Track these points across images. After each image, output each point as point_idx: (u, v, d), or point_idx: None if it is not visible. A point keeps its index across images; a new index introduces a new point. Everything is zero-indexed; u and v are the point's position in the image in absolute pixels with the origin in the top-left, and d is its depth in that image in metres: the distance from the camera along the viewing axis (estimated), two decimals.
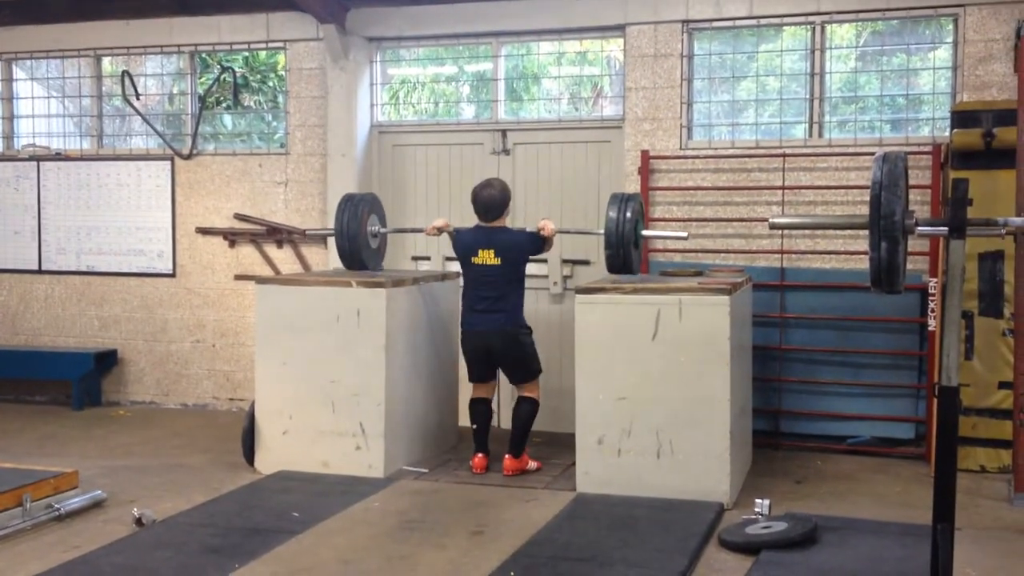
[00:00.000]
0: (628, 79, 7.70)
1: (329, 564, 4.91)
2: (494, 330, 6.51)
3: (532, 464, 6.62)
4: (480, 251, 6.53)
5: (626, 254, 6.32)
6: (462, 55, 8.45)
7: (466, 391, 6.93)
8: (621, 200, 6.37)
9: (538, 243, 6.62)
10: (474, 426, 6.69)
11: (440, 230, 6.84)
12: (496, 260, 6.50)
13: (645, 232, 6.68)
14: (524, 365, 6.64)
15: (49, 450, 7.35)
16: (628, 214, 6.29)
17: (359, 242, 6.76)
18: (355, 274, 6.85)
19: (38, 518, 5.56)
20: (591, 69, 8.29)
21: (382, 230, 7.07)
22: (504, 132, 8.10)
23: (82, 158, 9.14)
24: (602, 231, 6.39)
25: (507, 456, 6.53)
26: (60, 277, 9.24)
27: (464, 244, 6.64)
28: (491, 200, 6.57)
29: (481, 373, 6.72)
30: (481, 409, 6.72)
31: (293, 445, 6.64)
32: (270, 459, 6.70)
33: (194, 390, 8.93)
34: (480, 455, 6.62)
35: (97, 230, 9.07)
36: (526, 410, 6.60)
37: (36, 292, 9.32)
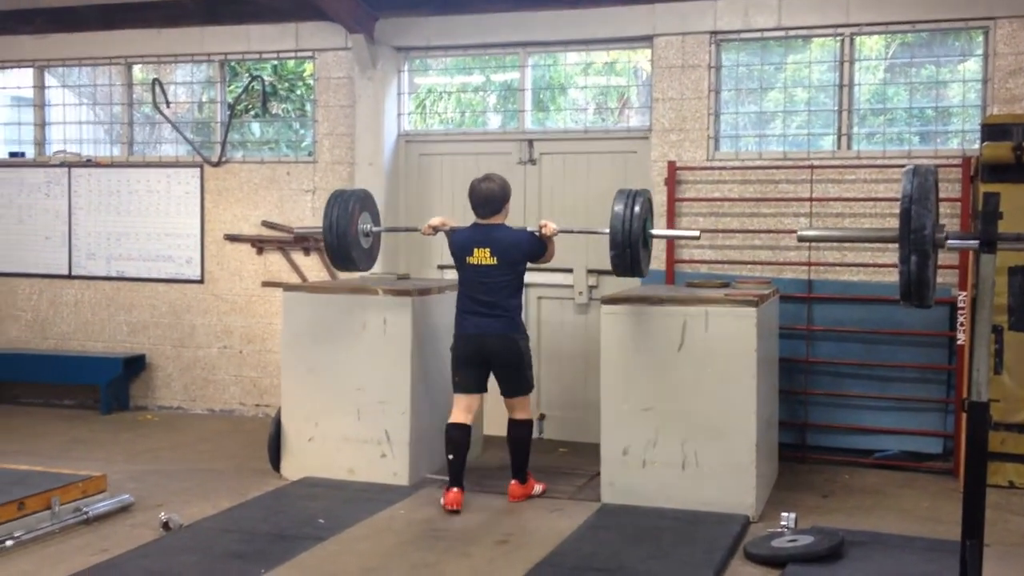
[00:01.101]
0: (655, 90, 7.70)
1: (354, 571, 4.92)
2: (491, 333, 6.03)
3: (537, 487, 6.30)
4: (476, 250, 6.04)
5: (634, 254, 5.76)
6: (489, 65, 8.48)
7: (491, 399, 6.89)
8: (628, 196, 5.84)
9: (538, 245, 6.13)
10: (450, 456, 6.03)
11: (436, 229, 6.38)
12: (492, 260, 6.01)
13: (655, 231, 6.19)
14: (520, 374, 6.15)
15: (77, 454, 7.41)
16: (636, 209, 5.76)
17: (349, 240, 6.37)
18: (382, 282, 6.87)
19: (66, 521, 5.61)
20: (618, 79, 8.30)
21: (374, 229, 6.68)
22: (530, 142, 8.12)
23: (112, 165, 9.23)
24: (607, 230, 5.86)
25: (513, 482, 6.19)
26: (90, 282, 9.32)
27: (459, 243, 6.15)
28: (489, 194, 6.07)
29: (470, 381, 6.13)
30: (459, 438, 6.06)
31: (319, 452, 6.67)
32: (296, 465, 6.73)
33: (221, 396, 8.99)
34: (455, 490, 5.96)
35: (127, 236, 9.15)
36: (521, 435, 6.22)
37: (66, 297, 9.41)
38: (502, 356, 6.08)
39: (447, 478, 6.11)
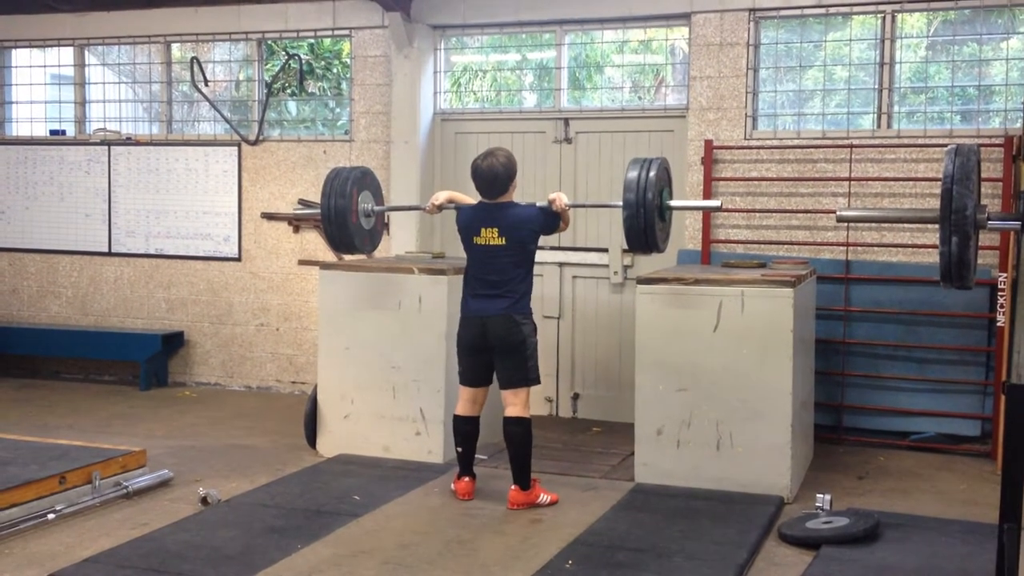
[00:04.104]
0: (693, 68, 7.64)
1: (389, 547, 4.97)
2: (494, 314, 5.62)
3: (545, 497, 5.71)
4: (483, 230, 5.65)
5: (648, 225, 5.38)
6: (525, 43, 8.45)
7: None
8: (643, 164, 5.47)
9: (550, 219, 5.73)
10: (459, 449, 5.85)
11: (441, 207, 6.01)
12: (500, 240, 5.62)
13: (672, 203, 5.77)
14: (520, 362, 5.67)
15: (117, 429, 7.51)
16: (651, 174, 5.38)
17: (349, 226, 6.03)
18: (417, 261, 6.90)
19: (107, 495, 5.70)
20: (654, 58, 8.24)
21: (376, 209, 6.31)
22: (566, 121, 8.09)
23: (152, 143, 9.31)
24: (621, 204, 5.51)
25: (513, 488, 5.66)
26: (129, 260, 9.43)
27: (465, 222, 5.77)
28: (493, 174, 5.60)
29: (473, 372, 5.81)
30: (466, 429, 5.85)
31: (354, 429, 6.73)
32: (332, 442, 6.79)
33: (258, 373, 9.07)
34: (466, 479, 5.80)
35: (165, 214, 9.24)
36: (518, 433, 5.66)
37: (106, 274, 9.52)
38: (503, 339, 5.64)
39: (482, 456, 6.11)
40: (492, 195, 5.69)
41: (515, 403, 5.70)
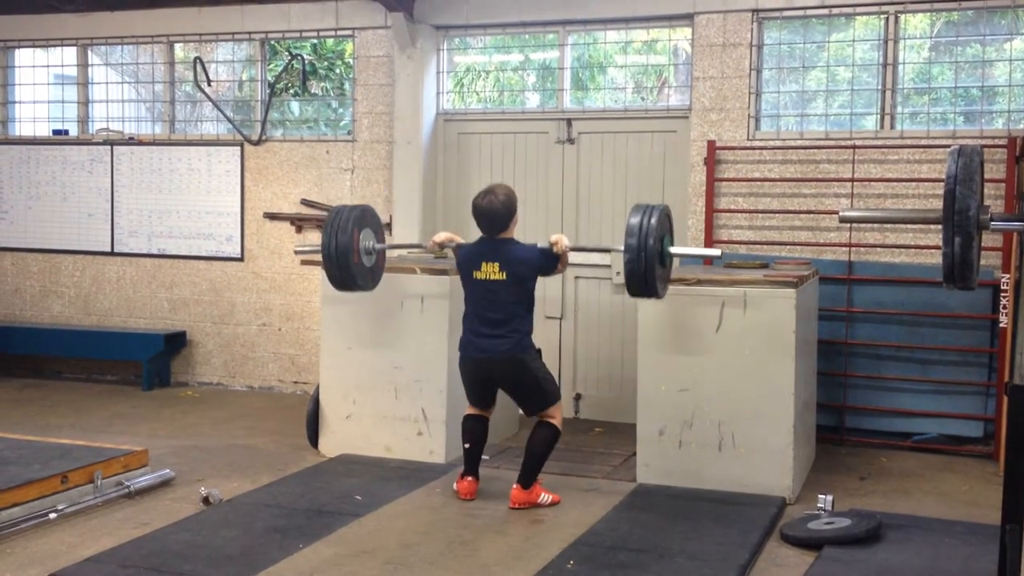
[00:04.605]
0: (696, 68, 7.64)
1: (391, 547, 4.96)
2: (498, 357, 5.62)
3: (546, 496, 5.69)
4: (483, 264, 5.62)
5: (648, 268, 5.30)
6: (528, 44, 8.45)
7: None
8: (645, 210, 5.37)
9: (549, 260, 5.71)
10: (466, 445, 5.84)
11: (442, 245, 6.02)
12: (501, 275, 5.59)
13: (674, 249, 5.63)
14: (538, 392, 5.70)
15: (119, 429, 7.52)
16: (653, 220, 5.29)
17: (351, 266, 5.92)
18: (419, 261, 6.90)
19: (108, 495, 5.69)
20: (657, 58, 8.24)
21: (377, 247, 6.18)
22: (569, 121, 8.09)
23: (154, 143, 9.31)
24: (622, 248, 5.39)
25: (516, 486, 5.64)
26: (132, 259, 9.43)
27: (465, 257, 5.75)
28: (493, 212, 5.59)
29: (480, 399, 5.85)
30: (476, 427, 5.85)
31: (356, 429, 6.73)
32: (334, 442, 6.79)
33: (260, 372, 9.08)
34: (469, 478, 5.79)
35: (168, 214, 9.25)
36: (545, 436, 5.69)
37: (108, 274, 9.52)
38: (514, 381, 5.69)
39: (484, 456, 6.10)
40: (493, 232, 5.68)
41: (547, 415, 5.75)
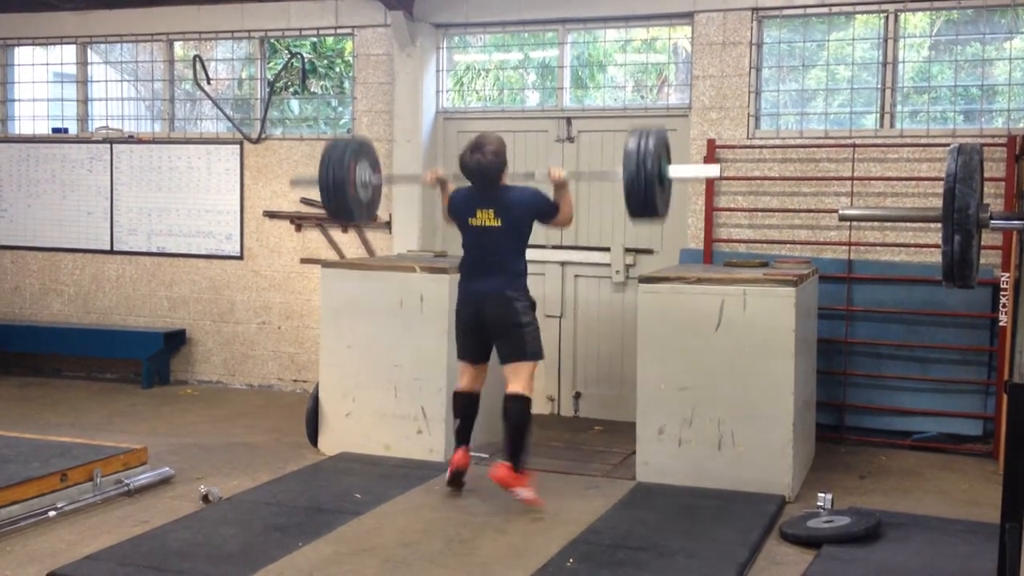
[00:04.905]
0: (695, 67, 7.64)
1: (391, 545, 4.96)
2: (489, 291, 5.58)
3: (525, 492, 5.47)
4: (479, 211, 5.60)
5: (649, 191, 5.18)
6: (528, 42, 8.45)
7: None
8: (642, 134, 5.27)
9: (547, 203, 5.66)
10: (457, 419, 5.86)
11: (440, 180, 5.96)
12: (496, 222, 5.57)
13: (672, 169, 5.47)
14: (519, 339, 5.58)
15: (119, 427, 7.52)
16: (650, 145, 5.18)
17: (346, 194, 5.83)
18: (419, 260, 6.90)
19: (108, 493, 5.70)
20: (657, 57, 8.24)
21: (374, 180, 6.08)
22: (569, 120, 8.09)
23: (154, 141, 9.31)
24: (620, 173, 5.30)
25: (505, 464, 5.46)
26: (131, 257, 9.43)
27: (460, 203, 5.72)
28: (481, 169, 5.54)
29: (471, 348, 5.78)
30: (466, 403, 5.83)
31: (356, 427, 6.73)
32: (333, 440, 6.79)
33: (259, 371, 9.07)
34: (462, 449, 5.77)
35: (167, 212, 9.24)
36: (516, 411, 5.51)
37: (108, 272, 9.52)
38: (498, 316, 5.59)
39: (484, 455, 6.08)
40: (486, 188, 5.64)
41: (515, 380, 5.58)
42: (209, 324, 9.21)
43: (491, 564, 4.75)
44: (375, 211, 6.29)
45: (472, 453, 6.24)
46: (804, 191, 7.43)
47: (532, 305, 5.76)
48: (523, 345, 5.62)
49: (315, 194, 8.65)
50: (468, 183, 5.73)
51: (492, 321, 5.63)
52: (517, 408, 5.55)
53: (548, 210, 5.69)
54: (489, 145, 5.57)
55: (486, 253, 5.65)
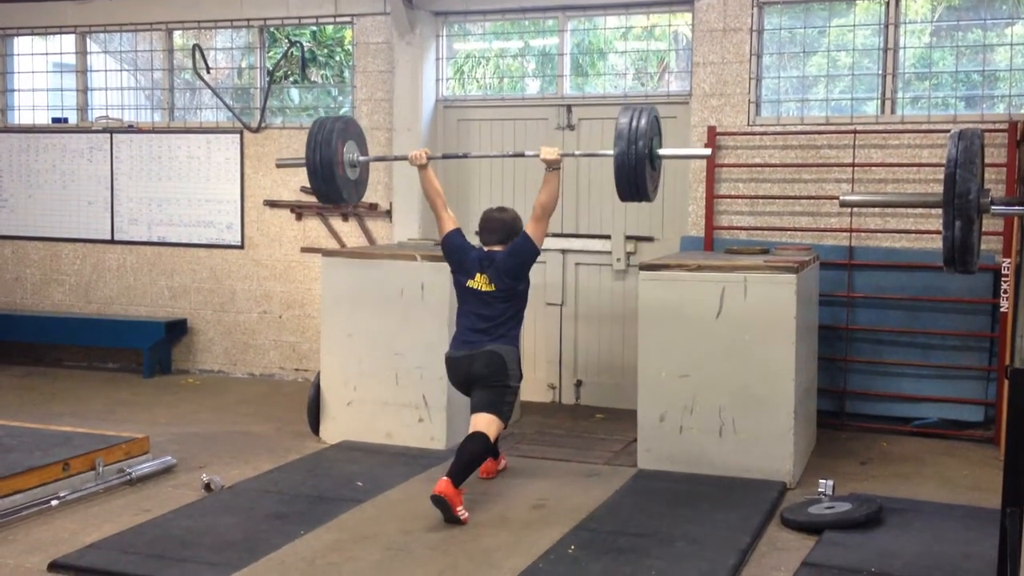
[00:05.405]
0: (696, 54, 7.62)
1: (392, 533, 4.97)
2: (480, 350, 5.52)
3: (461, 510, 5.14)
4: (477, 275, 5.61)
5: (639, 173, 5.21)
6: (528, 30, 8.42)
7: (528, 362, 6.89)
8: (634, 111, 5.29)
9: (522, 237, 5.60)
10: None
11: (429, 157, 5.87)
12: (491, 287, 5.57)
13: (662, 151, 5.51)
14: (496, 398, 5.48)
15: (120, 416, 7.52)
16: (642, 123, 5.20)
17: (335, 175, 5.82)
18: (419, 248, 6.89)
19: (110, 482, 5.71)
20: (657, 44, 8.21)
21: (361, 159, 6.05)
22: (569, 107, 8.07)
23: (154, 131, 9.30)
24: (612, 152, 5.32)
25: (446, 479, 5.15)
26: (132, 247, 9.43)
27: (460, 258, 5.71)
28: (500, 224, 5.71)
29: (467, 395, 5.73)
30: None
31: (357, 416, 6.73)
32: (335, 429, 6.80)
33: (261, 360, 9.08)
34: (489, 459, 5.76)
35: (168, 202, 9.24)
36: (477, 445, 5.35)
37: (108, 262, 9.52)
38: (486, 375, 5.49)
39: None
40: (491, 242, 5.69)
41: (481, 426, 5.43)
42: (210, 313, 9.21)
43: (492, 551, 4.76)
44: (363, 192, 6.24)
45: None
46: (805, 178, 7.42)
47: (520, 377, 5.69)
48: (500, 404, 5.49)
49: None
50: (468, 242, 5.76)
51: (477, 379, 5.53)
52: (481, 445, 5.38)
53: (534, 248, 5.59)
54: (512, 212, 5.81)
55: (483, 314, 5.59)
